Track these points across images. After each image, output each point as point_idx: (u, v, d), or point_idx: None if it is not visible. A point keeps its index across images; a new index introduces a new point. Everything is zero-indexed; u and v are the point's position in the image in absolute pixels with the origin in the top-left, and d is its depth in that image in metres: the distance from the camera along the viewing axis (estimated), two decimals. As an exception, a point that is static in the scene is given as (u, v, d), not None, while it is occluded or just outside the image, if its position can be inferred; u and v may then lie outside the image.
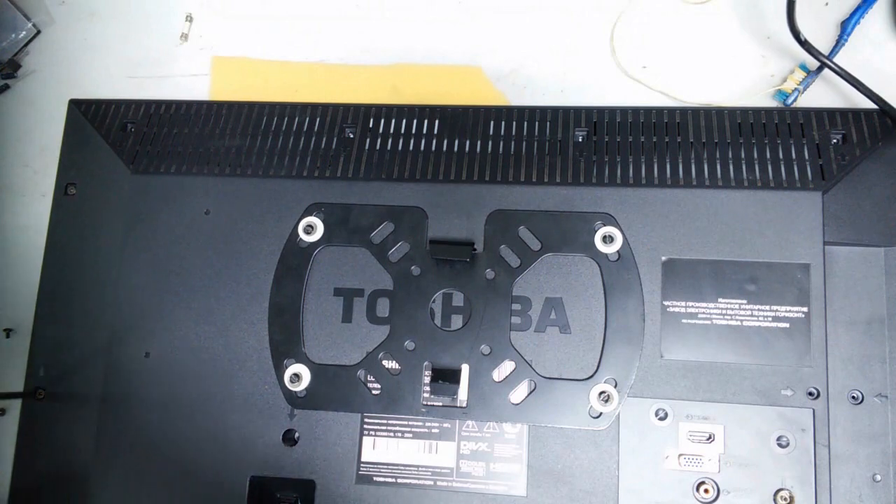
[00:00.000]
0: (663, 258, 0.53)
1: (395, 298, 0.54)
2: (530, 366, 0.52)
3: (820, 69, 0.58)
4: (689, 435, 0.50)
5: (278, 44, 0.67)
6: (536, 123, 0.57)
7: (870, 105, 0.54)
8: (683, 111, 0.56)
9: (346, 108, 0.59)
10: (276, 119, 0.59)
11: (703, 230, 0.52)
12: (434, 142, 0.57)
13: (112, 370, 0.56)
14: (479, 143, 0.56)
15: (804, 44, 0.55)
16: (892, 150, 0.52)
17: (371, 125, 0.58)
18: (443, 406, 0.53)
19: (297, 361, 0.54)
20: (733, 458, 0.50)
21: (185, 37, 0.68)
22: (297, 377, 0.54)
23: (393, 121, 0.58)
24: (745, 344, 0.51)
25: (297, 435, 0.53)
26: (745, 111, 0.55)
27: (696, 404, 0.50)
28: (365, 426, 0.53)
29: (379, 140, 0.58)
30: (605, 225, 0.53)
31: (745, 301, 0.51)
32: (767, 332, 0.51)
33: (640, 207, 0.53)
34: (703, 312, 0.52)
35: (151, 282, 0.57)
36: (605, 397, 0.51)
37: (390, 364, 0.54)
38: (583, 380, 0.52)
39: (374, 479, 0.52)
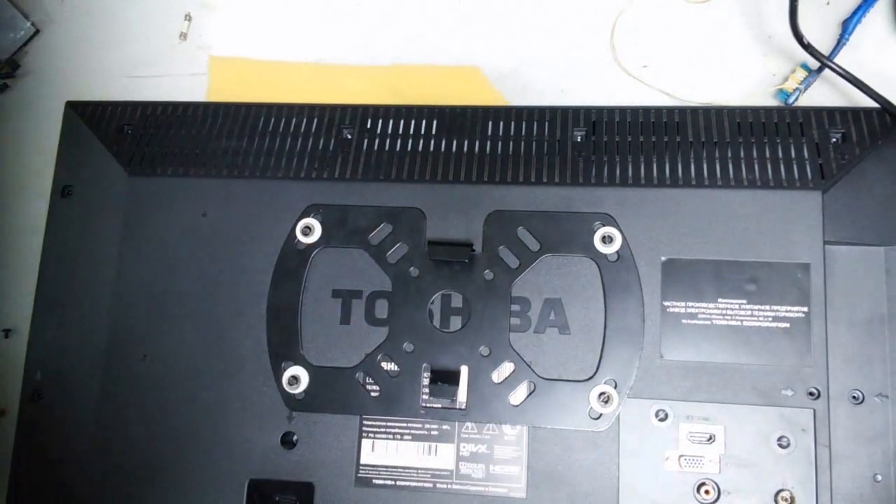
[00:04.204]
0: (663, 258, 0.52)
1: (394, 300, 0.54)
2: (530, 367, 0.52)
3: (821, 69, 0.57)
4: (690, 436, 0.50)
5: (276, 44, 0.67)
6: (535, 123, 0.56)
7: (870, 104, 0.54)
8: (683, 111, 0.55)
9: (344, 108, 0.59)
10: (273, 120, 0.59)
11: (702, 230, 0.52)
12: (432, 142, 0.57)
13: (110, 372, 0.56)
14: (477, 143, 0.56)
15: (807, 47, 0.55)
16: (893, 149, 0.52)
17: (369, 126, 0.58)
18: (442, 408, 0.52)
19: (296, 364, 0.54)
20: (734, 459, 0.50)
21: (183, 36, 0.68)
22: (295, 379, 0.54)
23: (391, 121, 0.58)
24: (746, 344, 0.51)
25: (295, 438, 0.53)
26: (745, 110, 0.55)
27: (696, 405, 0.50)
28: (364, 428, 0.53)
29: (377, 141, 0.57)
30: (604, 225, 0.53)
31: (745, 301, 0.51)
32: (767, 332, 0.51)
33: (639, 207, 0.53)
34: (703, 313, 0.51)
35: (149, 284, 0.57)
36: (604, 398, 0.51)
37: (389, 366, 0.53)
38: (582, 381, 0.52)
39: (374, 481, 0.52)
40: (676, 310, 0.52)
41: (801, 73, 0.58)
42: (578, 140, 0.55)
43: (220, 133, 0.59)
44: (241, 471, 0.53)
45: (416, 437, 0.52)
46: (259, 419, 0.54)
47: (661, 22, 0.63)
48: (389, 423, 0.53)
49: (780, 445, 0.49)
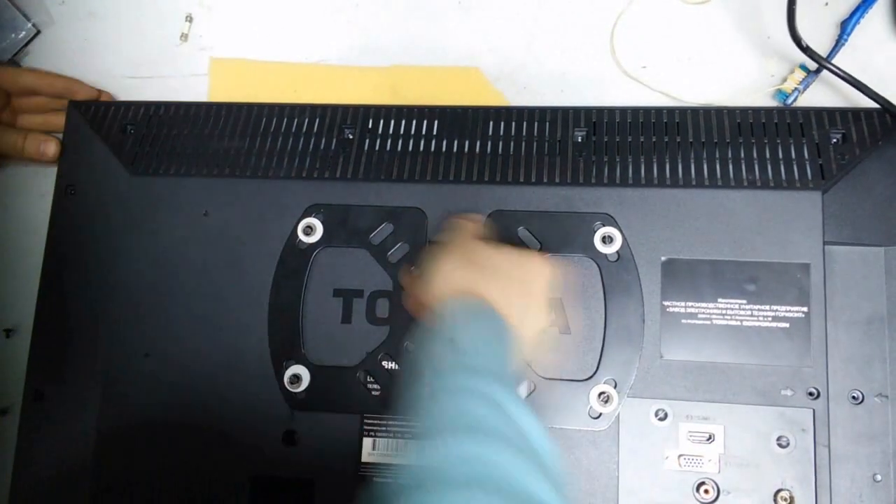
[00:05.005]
0: (663, 258, 0.52)
1: (395, 299, 0.54)
2: (530, 366, 0.52)
3: (819, 69, 0.58)
4: (689, 435, 0.50)
5: (277, 44, 0.67)
6: (536, 123, 0.57)
7: (870, 104, 0.54)
8: (683, 111, 0.56)
9: (345, 108, 0.59)
10: (275, 120, 0.59)
11: (702, 230, 0.52)
12: (433, 142, 0.57)
13: (112, 371, 0.56)
14: (478, 143, 0.56)
15: (806, 50, 0.55)
16: (892, 150, 0.52)
17: (370, 126, 0.58)
18: (443, 407, 0.52)
19: (297, 363, 0.54)
20: (733, 459, 0.50)
21: (184, 37, 0.68)
22: (296, 378, 0.54)
23: (392, 121, 0.58)
24: (745, 344, 0.51)
25: (297, 435, 0.53)
26: (744, 111, 0.55)
27: (695, 404, 0.50)
28: (365, 427, 0.53)
29: (378, 141, 0.58)
30: (604, 225, 0.53)
31: (744, 301, 0.51)
32: (767, 332, 0.51)
33: (639, 207, 0.53)
34: (703, 312, 0.52)
35: (151, 283, 0.57)
36: (604, 398, 0.51)
37: (390, 365, 0.54)
38: (582, 380, 0.52)
39: (374, 479, 0.52)
40: (676, 310, 0.52)
41: (800, 74, 0.58)
42: (579, 140, 0.56)
43: (223, 133, 0.59)
44: (243, 468, 0.53)
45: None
46: (261, 417, 0.54)
47: (660, 23, 0.63)
48: (390, 422, 0.53)
49: (780, 445, 0.49)
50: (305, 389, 0.54)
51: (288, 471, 0.53)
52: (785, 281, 0.51)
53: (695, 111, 0.55)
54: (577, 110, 0.57)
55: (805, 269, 0.51)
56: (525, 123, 0.57)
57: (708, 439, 0.50)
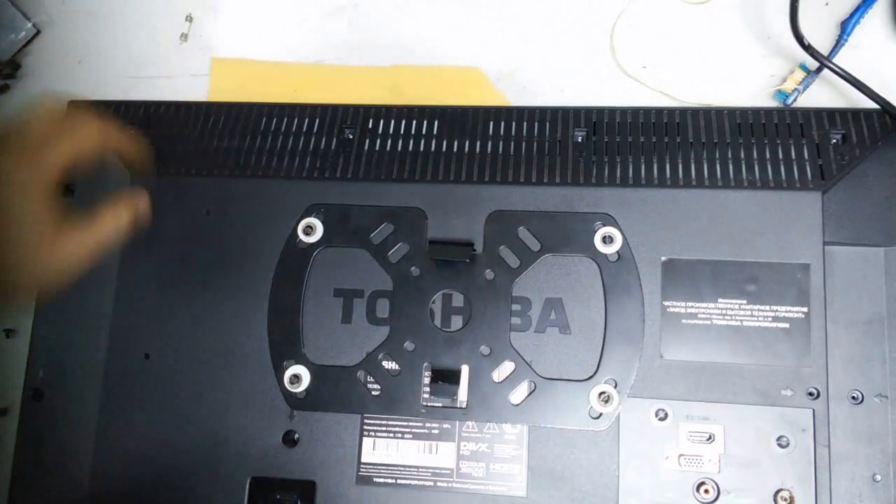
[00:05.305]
0: (663, 258, 0.52)
1: (395, 299, 0.54)
2: (530, 366, 0.52)
3: (820, 69, 0.58)
4: (690, 435, 0.50)
5: (278, 44, 0.67)
6: (536, 123, 0.57)
7: (870, 105, 0.54)
8: (683, 111, 0.56)
9: (346, 108, 0.59)
10: (275, 120, 0.59)
11: (703, 230, 0.52)
12: (433, 142, 0.57)
13: (112, 371, 0.56)
14: (478, 143, 0.56)
15: (808, 48, 0.55)
16: (893, 150, 0.52)
17: (370, 126, 0.58)
18: (443, 407, 0.53)
19: (297, 362, 0.54)
20: (733, 459, 0.50)
21: (184, 37, 0.68)
22: (296, 378, 0.54)
23: (392, 121, 0.58)
24: (745, 344, 0.51)
25: (296, 436, 0.53)
26: (744, 111, 0.55)
27: (696, 404, 0.50)
28: (365, 427, 0.53)
29: (378, 140, 0.58)
30: (604, 225, 0.53)
31: (744, 301, 0.51)
32: (767, 332, 0.51)
33: (639, 207, 0.53)
34: (703, 313, 0.52)
35: (151, 283, 0.57)
36: (605, 398, 0.51)
37: (390, 365, 0.54)
38: (583, 380, 0.52)
39: (375, 479, 0.52)
40: (676, 310, 0.52)
41: (800, 74, 0.58)
42: (579, 140, 0.56)
43: (223, 133, 0.59)
44: (242, 469, 0.53)
45: (416, 436, 0.53)
46: (260, 418, 0.54)
47: (660, 22, 0.63)
48: (390, 422, 0.53)
49: (780, 445, 0.49)
50: (305, 389, 0.54)
51: (287, 470, 0.53)
52: (785, 281, 0.51)
53: (695, 111, 0.55)
54: (577, 110, 0.57)
55: (805, 269, 0.51)
56: (525, 123, 0.57)
57: (708, 439, 0.50)
